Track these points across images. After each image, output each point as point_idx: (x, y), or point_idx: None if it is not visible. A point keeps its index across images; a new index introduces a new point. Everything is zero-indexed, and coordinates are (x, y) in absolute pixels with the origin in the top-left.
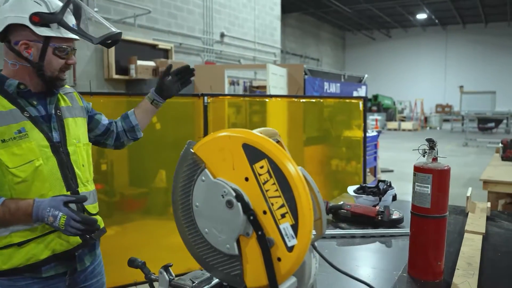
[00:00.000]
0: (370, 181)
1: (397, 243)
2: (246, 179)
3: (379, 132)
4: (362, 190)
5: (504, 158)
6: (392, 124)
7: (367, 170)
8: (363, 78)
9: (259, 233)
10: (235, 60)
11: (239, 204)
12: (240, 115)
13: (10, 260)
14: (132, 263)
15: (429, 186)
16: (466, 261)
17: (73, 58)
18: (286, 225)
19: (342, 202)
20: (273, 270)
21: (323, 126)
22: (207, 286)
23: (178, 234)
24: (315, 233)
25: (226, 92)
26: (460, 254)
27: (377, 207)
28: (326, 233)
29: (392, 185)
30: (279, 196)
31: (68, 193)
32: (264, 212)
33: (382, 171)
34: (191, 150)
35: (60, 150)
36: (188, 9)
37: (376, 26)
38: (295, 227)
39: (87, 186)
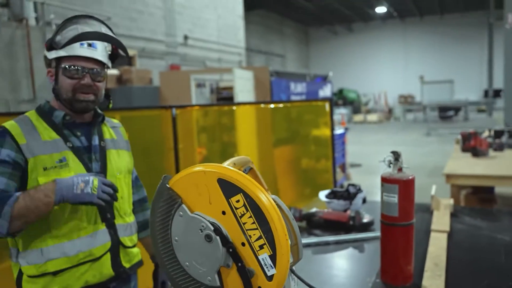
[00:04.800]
0: (340, 178)
1: (369, 247)
2: (223, 212)
3: (346, 129)
4: (333, 194)
5: (464, 149)
6: (358, 117)
7: (336, 166)
8: (327, 76)
9: (239, 264)
10: (200, 62)
11: (218, 237)
12: (209, 118)
13: None
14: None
15: (396, 195)
16: (433, 261)
17: (88, 79)
18: (264, 256)
19: (314, 209)
20: None
21: (291, 126)
22: None
23: None
24: (292, 260)
25: (193, 98)
26: (428, 255)
27: (348, 212)
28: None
29: (362, 185)
30: (256, 229)
31: (103, 224)
32: (243, 244)
33: (351, 166)
34: (167, 185)
35: None
36: (149, 11)
37: (338, 20)
38: (273, 257)
39: (124, 218)
